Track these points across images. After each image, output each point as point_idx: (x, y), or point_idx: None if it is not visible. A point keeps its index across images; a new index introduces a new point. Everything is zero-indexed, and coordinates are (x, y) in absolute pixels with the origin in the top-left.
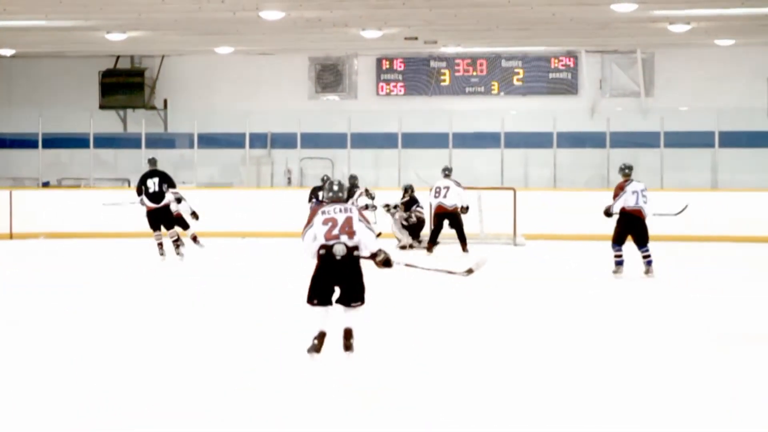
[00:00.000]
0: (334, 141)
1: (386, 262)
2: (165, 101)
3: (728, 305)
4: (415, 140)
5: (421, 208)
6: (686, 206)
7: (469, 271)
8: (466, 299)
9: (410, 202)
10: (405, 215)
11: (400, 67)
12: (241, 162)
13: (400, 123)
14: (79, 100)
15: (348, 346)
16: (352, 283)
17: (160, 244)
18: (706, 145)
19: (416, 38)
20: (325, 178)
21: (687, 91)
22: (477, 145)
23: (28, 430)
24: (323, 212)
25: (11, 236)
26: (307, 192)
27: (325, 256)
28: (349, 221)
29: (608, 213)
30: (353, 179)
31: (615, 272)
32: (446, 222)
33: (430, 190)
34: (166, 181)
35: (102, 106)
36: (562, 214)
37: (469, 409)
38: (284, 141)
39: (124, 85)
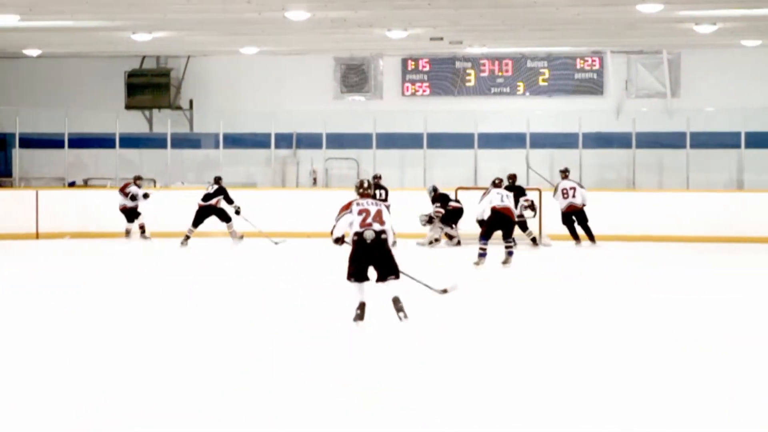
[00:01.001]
0: (360, 141)
1: None
2: (191, 101)
3: (742, 306)
4: (440, 141)
5: (456, 201)
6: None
7: (444, 291)
8: (471, 299)
9: (443, 200)
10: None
11: (426, 67)
12: (266, 162)
13: (426, 123)
14: (105, 101)
15: (400, 309)
16: (384, 262)
17: (187, 237)
18: (732, 146)
19: (441, 38)
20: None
21: (713, 92)
22: (502, 145)
23: (28, 430)
24: (358, 204)
25: (37, 236)
26: (331, 192)
27: (359, 241)
28: (379, 213)
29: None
30: (376, 179)
31: (477, 263)
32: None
33: (555, 191)
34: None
35: (128, 107)
36: (587, 214)
37: (469, 409)
38: (309, 141)
39: (149, 86)
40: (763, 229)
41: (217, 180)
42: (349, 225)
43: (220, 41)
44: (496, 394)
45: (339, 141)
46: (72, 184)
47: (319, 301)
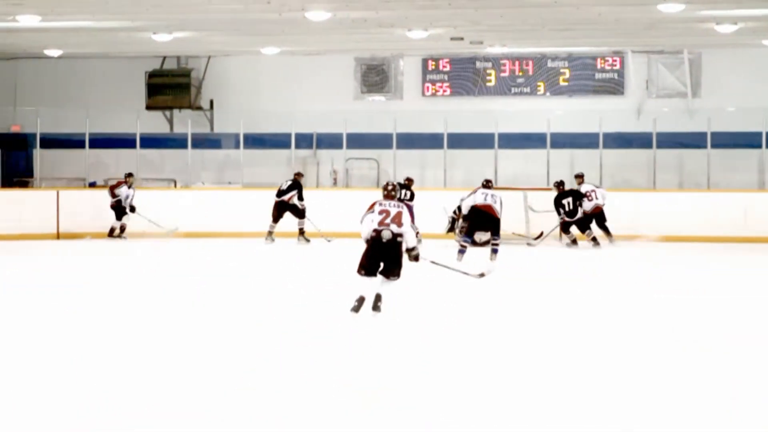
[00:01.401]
0: (380, 141)
1: (416, 257)
2: (211, 102)
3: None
4: (460, 141)
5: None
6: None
7: (481, 275)
8: (473, 299)
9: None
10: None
11: (446, 67)
12: (286, 162)
13: (446, 123)
14: (125, 101)
15: (376, 307)
16: (393, 261)
17: (270, 233)
18: (754, 146)
19: (462, 39)
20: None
21: (734, 92)
22: (523, 145)
23: (29, 430)
24: (380, 204)
25: (58, 236)
26: (352, 192)
27: (376, 238)
28: (399, 215)
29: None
30: (408, 181)
31: (457, 259)
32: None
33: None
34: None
35: (148, 107)
36: (607, 214)
37: (469, 409)
38: (330, 141)
39: (170, 86)
40: None
41: (296, 176)
42: (371, 223)
43: (240, 41)
44: (496, 394)
45: (359, 141)
46: (93, 185)
47: (324, 300)
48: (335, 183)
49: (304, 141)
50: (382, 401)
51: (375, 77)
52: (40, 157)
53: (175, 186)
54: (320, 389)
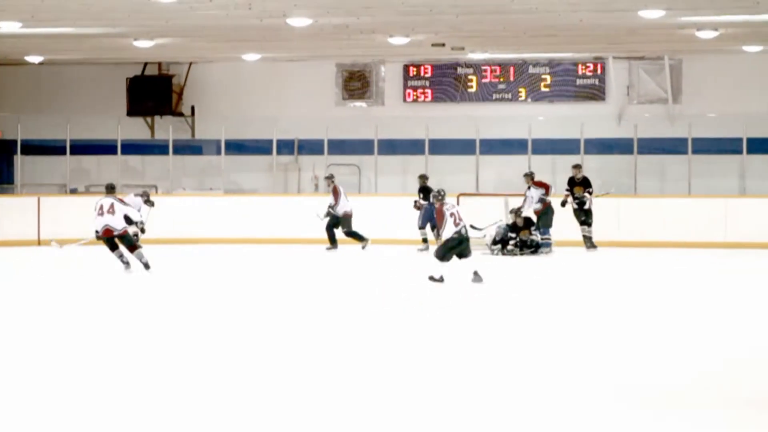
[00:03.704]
0: (361, 147)
1: None
2: (192, 108)
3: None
4: (442, 147)
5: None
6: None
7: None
8: (474, 304)
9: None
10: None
11: (427, 73)
12: (268, 168)
13: (427, 129)
14: (106, 107)
15: (477, 277)
16: (468, 249)
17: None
18: (734, 152)
19: (443, 45)
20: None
21: (715, 98)
22: (504, 151)
23: (28, 430)
24: (446, 209)
25: (39, 242)
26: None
27: (458, 236)
28: (459, 213)
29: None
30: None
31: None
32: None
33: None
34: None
35: (130, 113)
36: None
37: (469, 409)
38: (311, 147)
39: (151, 92)
40: (765, 234)
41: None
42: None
43: (221, 48)
44: (496, 394)
45: (341, 147)
46: (74, 191)
47: (316, 306)
48: (317, 189)
49: (286, 147)
50: (382, 401)
51: (356, 83)
52: (21, 163)
53: (156, 192)
54: (321, 389)
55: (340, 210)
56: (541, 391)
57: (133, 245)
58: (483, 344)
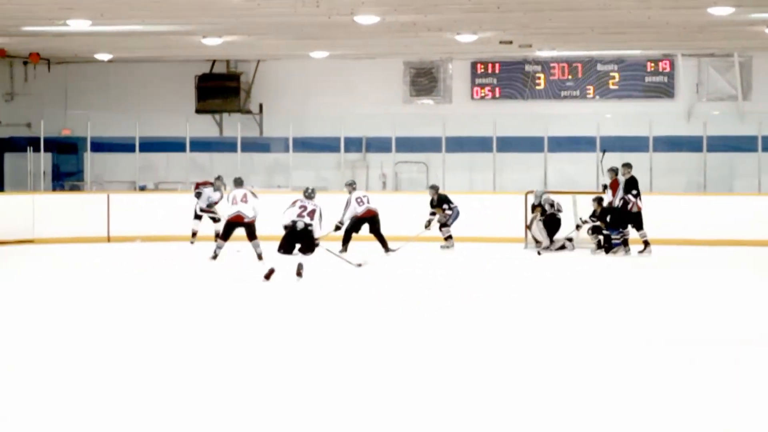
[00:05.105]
0: (429, 145)
1: None
2: (260, 105)
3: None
4: (509, 144)
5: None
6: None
7: (359, 265)
8: (473, 304)
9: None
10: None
11: (495, 70)
12: (336, 166)
13: (495, 127)
14: (175, 105)
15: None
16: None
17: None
18: None
19: (511, 42)
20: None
21: None
22: (572, 149)
23: (29, 430)
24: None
25: (108, 239)
26: (401, 196)
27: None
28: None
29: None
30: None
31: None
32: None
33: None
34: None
35: (198, 111)
36: (658, 219)
37: (468, 409)
38: (379, 145)
39: (220, 90)
40: None
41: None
42: None
43: (289, 45)
44: (496, 394)
45: (408, 145)
46: (143, 188)
47: (315, 307)
48: (384, 186)
49: (354, 145)
50: (382, 401)
51: (424, 81)
52: (90, 160)
53: (225, 189)
54: (322, 389)
55: (347, 219)
56: (541, 391)
57: (254, 234)
58: (483, 344)
